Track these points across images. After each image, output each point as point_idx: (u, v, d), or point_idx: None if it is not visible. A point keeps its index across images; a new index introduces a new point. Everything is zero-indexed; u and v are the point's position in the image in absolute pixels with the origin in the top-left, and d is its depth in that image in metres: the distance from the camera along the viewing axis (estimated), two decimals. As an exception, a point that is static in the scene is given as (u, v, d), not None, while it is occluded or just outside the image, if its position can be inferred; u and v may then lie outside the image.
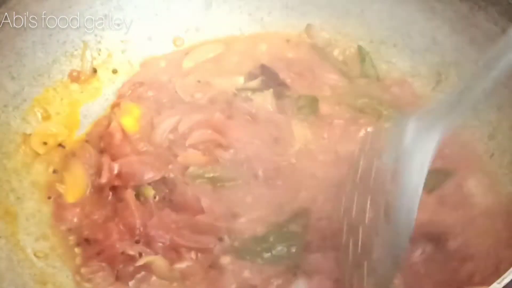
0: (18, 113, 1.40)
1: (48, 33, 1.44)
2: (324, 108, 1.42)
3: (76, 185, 1.36)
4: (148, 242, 1.26)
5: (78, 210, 1.33)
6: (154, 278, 1.25)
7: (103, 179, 1.33)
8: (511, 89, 1.32)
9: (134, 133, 1.40)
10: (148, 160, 1.36)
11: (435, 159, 1.30)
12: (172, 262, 1.25)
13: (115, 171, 1.33)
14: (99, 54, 1.52)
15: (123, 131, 1.40)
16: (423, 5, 1.29)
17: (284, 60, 1.51)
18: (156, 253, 1.25)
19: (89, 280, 1.25)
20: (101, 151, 1.40)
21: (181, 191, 1.31)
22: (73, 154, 1.40)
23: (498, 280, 0.94)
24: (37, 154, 1.39)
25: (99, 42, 1.52)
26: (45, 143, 1.40)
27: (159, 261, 1.24)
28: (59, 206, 1.34)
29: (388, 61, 1.46)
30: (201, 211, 1.29)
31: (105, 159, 1.36)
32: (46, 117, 1.43)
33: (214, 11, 1.57)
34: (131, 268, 1.25)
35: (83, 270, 1.26)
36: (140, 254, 1.24)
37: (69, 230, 1.32)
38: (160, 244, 1.26)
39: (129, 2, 1.52)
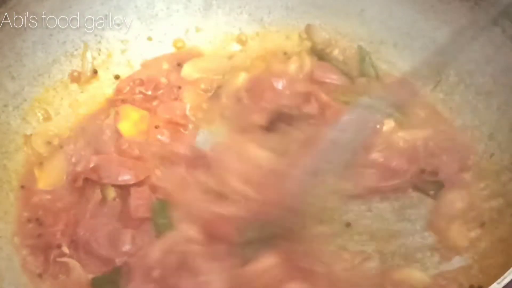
0: (18, 113, 1.41)
1: (48, 33, 1.44)
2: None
3: (52, 174, 1.36)
4: (77, 243, 1.26)
5: (48, 197, 1.33)
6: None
7: (79, 168, 1.34)
8: (511, 89, 1.33)
9: (129, 137, 1.40)
10: (129, 163, 1.35)
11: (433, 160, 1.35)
12: (88, 270, 1.24)
13: (92, 164, 1.33)
14: (99, 54, 1.53)
15: (115, 130, 1.41)
16: (423, 5, 1.31)
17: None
18: (79, 258, 1.24)
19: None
20: (89, 143, 1.40)
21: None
22: (60, 145, 1.40)
23: (498, 280, 0.94)
24: (40, 155, 1.39)
25: (99, 42, 1.52)
26: (48, 143, 1.41)
27: (74, 266, 1.23)
28: (29, 191, 1.35)
29: (388, 61, 1.47)
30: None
31: (87, 150, 1.37)
32: (47, 118, 1.44)
33: (214, 11, 1.58)
34: (57, 266, 1.24)
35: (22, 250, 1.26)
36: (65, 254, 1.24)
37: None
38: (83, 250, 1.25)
39: (129, 2, 1.53)
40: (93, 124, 1.43)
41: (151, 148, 1.38)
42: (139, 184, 1.32)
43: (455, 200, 1.32)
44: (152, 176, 1.33)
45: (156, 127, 1.42)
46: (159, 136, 1.41)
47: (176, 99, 1.48)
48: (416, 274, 1.23)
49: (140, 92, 1.49)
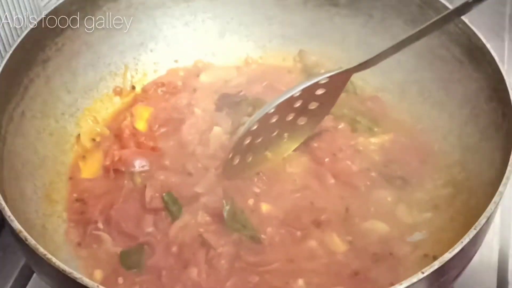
0: (72, 119, 1.46)
1: (96, 56, 1.51)
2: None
3: (92, 166, 1.42)
4: (109, 221, 1.30)
5: (90, 184, 1.39)
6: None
7: (106, 162, 1.40)
8: (458, 101, 1.37)
9: (144, 131, 1.46)
10: (146, 153, 1.41)
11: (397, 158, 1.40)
12: (116, 244, 1.27)
13: (116, 158, 1.39)
14: (136, 73, 1.58)
15: (132, 129, 1.46)
16: (391, 36, 1.31)
17: (283, 82, 1.54)
18: (110, 233, 1.28)
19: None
20: (114, 142, 1.46)
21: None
22: (98, 144, 1.47)
23: (450, 250, 0.95)
24: (87, 150, 1.45)
25: (136, 64, 1.58)
26: (93, 140, 1.47)
27: (105, 239, 1.28)
28: (76, 180, 1.41)
29: (363, 79, 1.50)
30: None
31: (112, 147, 1.43)
32: (95, 122, 1.50)
33: (227, 39, 1.63)
34: (92, 237, 1.28)
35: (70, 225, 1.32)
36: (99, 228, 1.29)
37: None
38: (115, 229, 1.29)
39: (160, 32, 1.58)
40: (116, 126, 1.48)
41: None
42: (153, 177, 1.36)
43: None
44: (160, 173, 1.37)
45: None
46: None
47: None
48: (378, 224, 1.28)
49: (161, 92, 1.55)
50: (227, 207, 1.27)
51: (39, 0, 1.44)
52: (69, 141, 1.44)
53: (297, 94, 1.28)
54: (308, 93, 1.30)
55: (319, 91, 1.31)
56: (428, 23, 1.16)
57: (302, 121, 1.37)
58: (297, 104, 1.31)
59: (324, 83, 1.30)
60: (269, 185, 1.35)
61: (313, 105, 1.34)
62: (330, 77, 1.29)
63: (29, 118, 1.33)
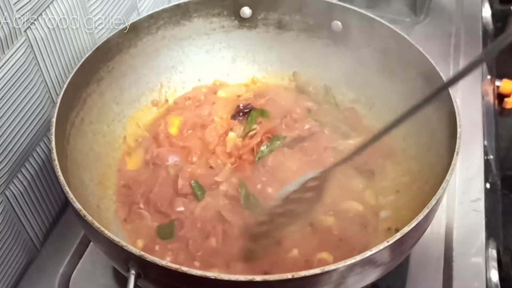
0: (120, 124, 1.46)
1: (138, 77, 1.50)
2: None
3: (135, 161, 1.41)
4: (149, 202, 1.29)
5: (133, 174, 1.38)
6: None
7: (147, 157, 1.39)
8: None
9: (175, 135, 1.45)
10: (177, 151, 1.40)
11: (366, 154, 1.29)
12: (153, 220, 1.26)
13: (154, 154, 1.39)
14: (169, 89, 1.58)
15: (166, 132, 1.45)
16: (362, 60, 1.31)
17: (281, 96, 1.52)
18: (149, 211, 1.27)
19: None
20: (152, 142, 1.44)
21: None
22: (140, 143, 1.45)
23: (408, 225, 0.94)
24: (131, 148, 1.45)
25: (169, 82, 1.57)
26: (136, 140, 1.46)
27: (145, 216, 1.26)
28: (123, 171, 1.39)
29: (342, 94, 1.49)
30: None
31: (152, 146, 1.42)
32: (137, 126, 1.50)
33: (238, 64, 1.62)
34: (135, 215, 1.27)
35: (118, 205, 1.31)
36: (141, 208, 1.29)
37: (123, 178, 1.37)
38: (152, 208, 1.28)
39: (187, 58, 1.57)
40: (153, 130, 1.47)
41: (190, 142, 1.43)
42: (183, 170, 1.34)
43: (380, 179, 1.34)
44: (188, 166, 1.36)
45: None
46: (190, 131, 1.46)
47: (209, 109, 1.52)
48: (355, 204, 1.28)
49: (188, 104, 1.54)
50: (242, 193, 1.27)
51: (95, 34, 1.44)
52: (117, 141, 1.44)
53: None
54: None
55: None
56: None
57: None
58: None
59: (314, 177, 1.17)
60: (273, 174, 1.35)
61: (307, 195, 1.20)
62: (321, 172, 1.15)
63: (87, 124, 1.33)
